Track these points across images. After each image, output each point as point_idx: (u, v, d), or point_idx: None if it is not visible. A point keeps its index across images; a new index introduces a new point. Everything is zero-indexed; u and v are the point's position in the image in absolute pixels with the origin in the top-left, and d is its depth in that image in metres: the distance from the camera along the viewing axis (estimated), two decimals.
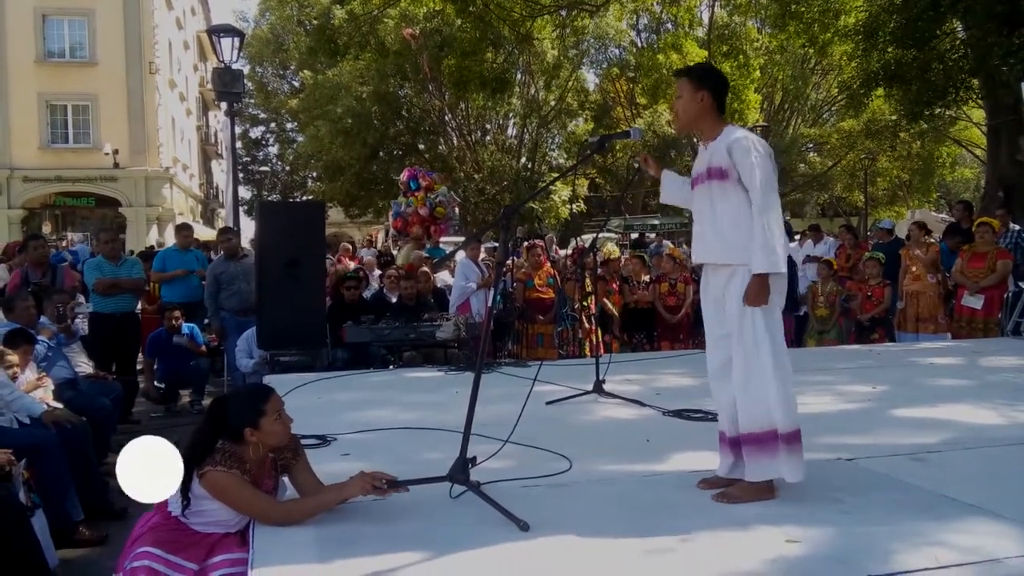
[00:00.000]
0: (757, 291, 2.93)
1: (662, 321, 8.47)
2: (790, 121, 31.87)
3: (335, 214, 34.70)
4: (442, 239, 14.63)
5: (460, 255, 8.82)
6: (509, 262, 7.68)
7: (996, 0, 12.05)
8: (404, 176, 14.98)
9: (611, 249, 13.33)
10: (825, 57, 25.84)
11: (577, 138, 32.26)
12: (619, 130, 30.21)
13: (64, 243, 16.21)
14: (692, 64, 3.29)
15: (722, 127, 3.08)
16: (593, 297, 7.97)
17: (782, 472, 2.94)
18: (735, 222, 2.98)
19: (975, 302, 7.92)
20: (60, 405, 5.10)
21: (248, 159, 43.87)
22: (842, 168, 31.46)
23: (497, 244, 13.34)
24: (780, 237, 2.95)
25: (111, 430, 5.73)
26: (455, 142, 30.76)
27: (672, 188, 3.40)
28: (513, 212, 3.31)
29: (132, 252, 13.14)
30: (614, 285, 8.56)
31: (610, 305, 8.36)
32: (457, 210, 15.80)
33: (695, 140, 27.68)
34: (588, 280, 8.20)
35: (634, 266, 8.99)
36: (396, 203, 15.08)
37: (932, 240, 9.16)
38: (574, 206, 30.27)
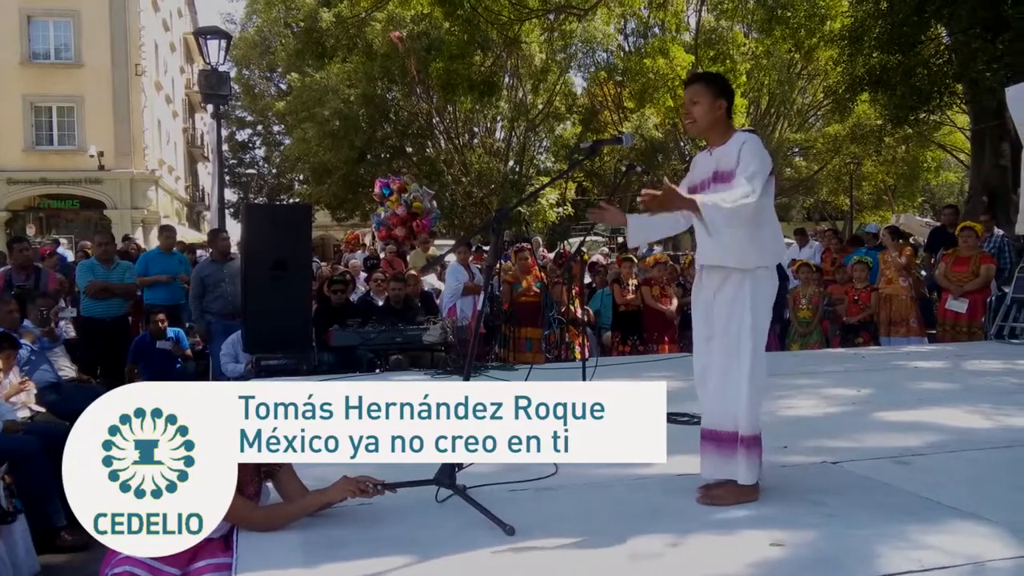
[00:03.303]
0: (666, 197, 2.82)
1: (652, 323, 8.46)
2: (776, 125, 31.98)
3: (322, 217, 34.59)
4: (436, 242, 14.68)
5: (450, 258, 8.81)
6: (498, 265, 7.68)
7: (980, 6, 12.16)
8: (376, 188, 15.09)
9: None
10: (811, 62, 26.03)
11: (565, 141, 32.28)
12: (608, 134, 30.38)
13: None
14: (707, 72, 3.33)
15: (732, 133, 3.12)
16: (578, 301, 7.98)
17: (736, 473, 3.00)
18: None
19: (959, 306, 7.97)
20: (43, 409, 5.07)
21: (235, 162, 43.68)
22: (828, 172, 31.63)
23: (485, 247, 13.34)
24: (771, 234, 3.04)
25: None
26: (443, 145, 30.73)
27: (639, 227, 3.28)
28: (505, 215, 3.31)
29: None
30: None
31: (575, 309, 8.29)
32: (434, 202, 15.82)
33: (681, 144, 27.66)
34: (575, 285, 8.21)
35: (624, 269, 8.99)
36: (376, 215, 15.18)
37: (908, 243, 9.25)
38: (561, 209, 30.31)
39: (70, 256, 13.50)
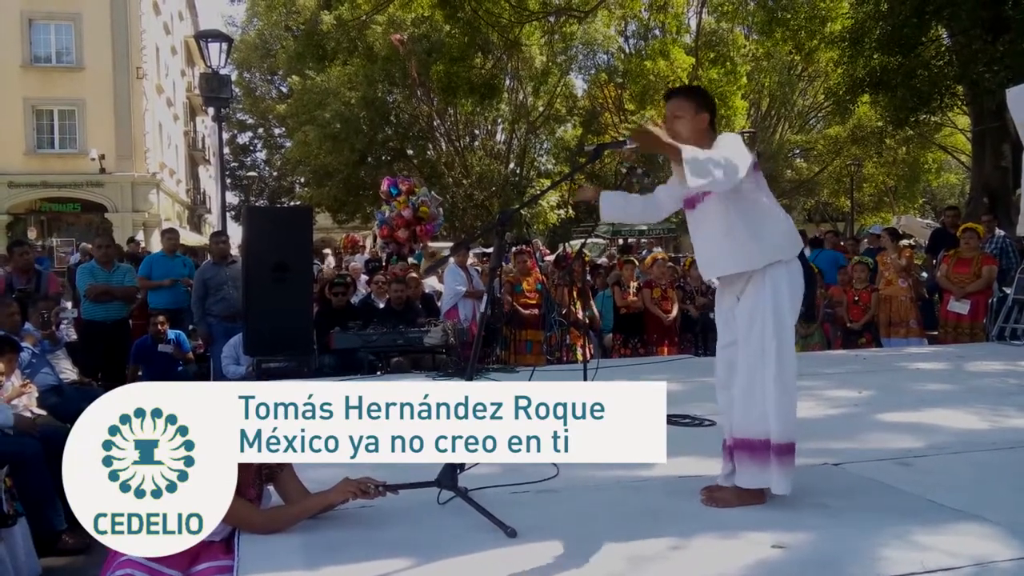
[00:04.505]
0: (651, 136, 2.78)
1: (652, 326, 8.46)
2: (777, 127, 32.03)
3: (323, 219, 34.64)
4: (434, 244, 14.66)
5: (451, 261, 8.82)
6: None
7: (980, 7, 12.16)
8: (384, 186, 15.03)
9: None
10: (811, 64, 26.01)
11: (565, 143, 32.30)
12: (608, 136, 30.36)
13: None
14: (685, 86, 3.31)
15: (712, 140, 3.04)
16: (580, 302, 7.97)
17: (771, 483, 2.94)
18: (728, 229, 2.99)
19: (961, 307, 7.97)
20: (44, 412, 5.06)
21: (236, 164, 43.73)
22: (828, 174, 31.66)
23: (485, 250, 13.37)
24: (774, 227, 2.96)
25: None
26: (443, 148, 30.76)
27: (614, 207, 3.31)
28: (508, 218, 3.30)
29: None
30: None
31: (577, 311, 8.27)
32: (441, 209, 15.79)
33: None
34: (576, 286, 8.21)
35: (625, 271, 8.99)
36: (380, 213, 15.09)
37: (905, 244, 9.27)
38: (562, 212, 30.32)
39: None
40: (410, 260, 12.08)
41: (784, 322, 2.98)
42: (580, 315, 8.05)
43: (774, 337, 2.94)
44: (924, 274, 9.79)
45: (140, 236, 24.46)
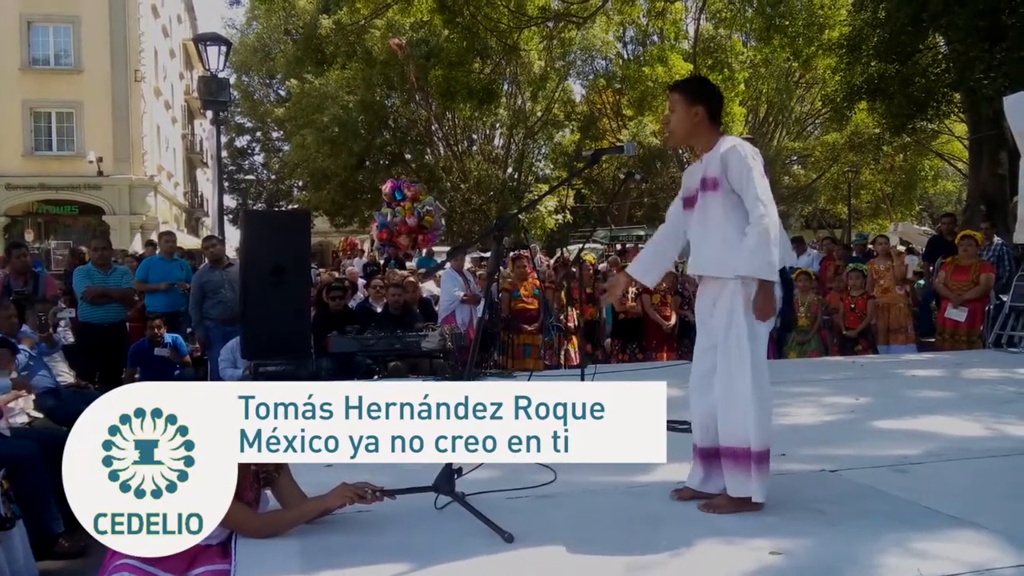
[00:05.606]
0: (763, 302, 2.91)
1: (652, 332, 8.47)
2: (774, 134, 32.08)
3: (321, 223, 34.61)
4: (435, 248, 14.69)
5: (448, 266, 8.83)
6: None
7: (977, 15, 12.21)
8: (387, 188, 14.97)
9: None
10: (809, 71, 26.10)
11: (563, 148, 32.33)
12: (606, 142, 30.38)
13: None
14: (684, 78, 3.34)
15: (717, 138, 3.06)
16: (573, 308, 8.00)
17: (752, 490, 2.94)
18: (724, 234, 2.99)
19: (958, 314, 7.99)
20: (40, 415, 5.06)
21: (233, 168, 43.73)
22: (826, 181, 31.70)
23: (482, 254, 13.40)
24: (775, 245, 2.93)
25: None
26: (442, 152, 30.78)
27: (645, 264, 3.37)
28: (506, 223, 3.31)
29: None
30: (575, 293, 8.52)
31: (573, 315, 8.28)
32: (443, 220, 15.81)
33: (681, 152, 27.84)
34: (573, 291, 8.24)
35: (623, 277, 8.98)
36: (380, 214, 15.02)
37: (901, 250, 9.32)
38: (560, 217, 30.33)
39: None
40: (407, 264, 12.09)
41: (757, 332, 2.98)
42: (571, 322, 8.08)
43: (748, 347, 2.95)
44: (921, 281, 9.81)
45: (137, 240, 24.46)
